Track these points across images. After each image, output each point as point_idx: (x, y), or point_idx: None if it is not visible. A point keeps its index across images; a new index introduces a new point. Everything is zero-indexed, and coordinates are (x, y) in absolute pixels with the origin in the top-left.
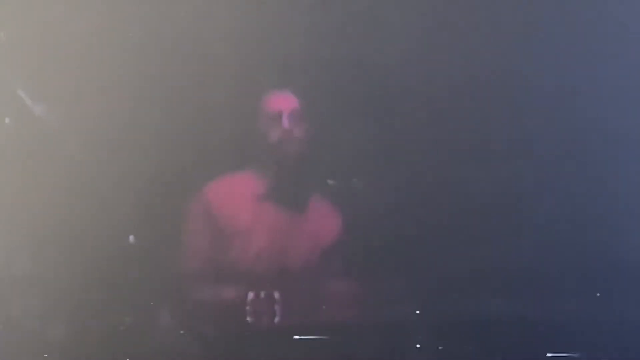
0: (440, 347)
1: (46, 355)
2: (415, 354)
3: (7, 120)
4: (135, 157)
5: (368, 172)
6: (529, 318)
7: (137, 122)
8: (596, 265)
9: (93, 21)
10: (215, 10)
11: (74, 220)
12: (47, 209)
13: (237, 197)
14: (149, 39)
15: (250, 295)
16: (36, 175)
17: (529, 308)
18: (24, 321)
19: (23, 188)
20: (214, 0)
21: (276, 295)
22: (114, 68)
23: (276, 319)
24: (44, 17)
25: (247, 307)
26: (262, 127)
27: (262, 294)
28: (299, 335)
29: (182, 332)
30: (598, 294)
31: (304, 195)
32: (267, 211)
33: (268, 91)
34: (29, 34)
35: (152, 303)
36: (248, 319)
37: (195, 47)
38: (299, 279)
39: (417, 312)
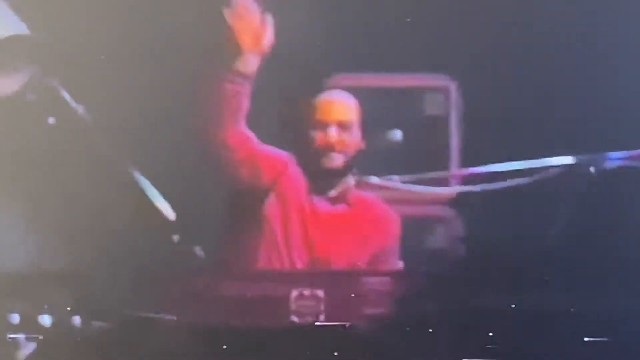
0: (481, 342)
1: (82, 350)
2: (456, 351)
3: (50, 120)
4: (178, 156)
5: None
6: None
7: (182, 121)
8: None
9: (136, 23)
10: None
11: (118, 218)
12: (91, 207)
13: (286, 195)
14: (192, 39)
15: (295, 293)
16: (79, 174)
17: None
18: (58, 317)
19: (64, 185)
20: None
21: (320, 293)
22: (158, 68)
23: (320, 318)
24: (88, 18)
25: (292, 305)
26: (311, 132)
27: (307, 292)
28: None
29: (224, 328)
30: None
31: (354, 195)
32: (315, 210)
33: (322, 95)
34: (72, 34)
35: (192, 300)
36: (292, 317)
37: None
38: (345, 277)
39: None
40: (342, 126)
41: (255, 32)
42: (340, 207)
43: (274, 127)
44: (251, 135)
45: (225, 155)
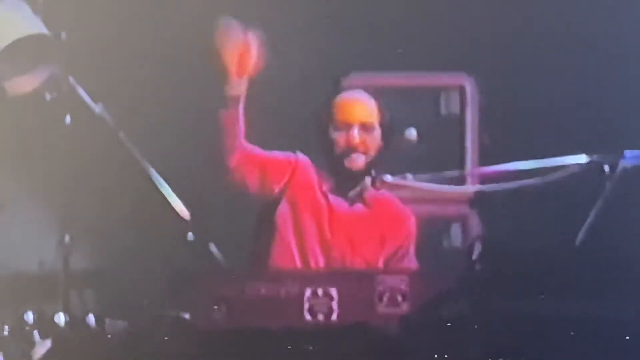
0: (495, 341)
1: (104, 350)
2: (471, 349)
3: (67, 119)
4: (192, 154)
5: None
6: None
7: (202, 121)
8: None
9: (154, 22)
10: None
11: (133, 217)
12: (106, 206)
13: (298, 196)
14: (210, 38)
15: (308, 291)
16: (96, 173)
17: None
18: (83, 317)
19: (82, 185)
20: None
21: (334, 292)
22: (175, 68)
23: (333, 316)
24: (104, 17)
25: (305, 304)
26: (333, 133)
27: (320, 291)
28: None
29: (239, 327)
30: None
31: (371, 194)
32: (332, 208)
33: (343, 95)
34: (89, 34)
35: (210, 299)
36: (306, 315)
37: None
38: (359, 276)
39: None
40: (364, 127)
41: (241, 56)
42: (358, 207)
43: (290, 127)
44: (252, 148)
45: (234, 175)
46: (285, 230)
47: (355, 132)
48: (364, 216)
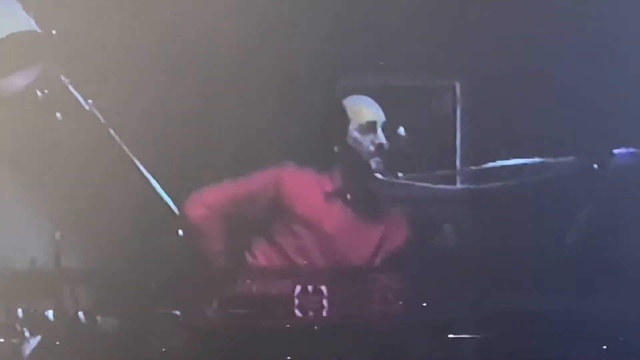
0: (487, 340)
1: (97, 347)
2: (462, 348)
3: (58, 115)
4: (182, 151)
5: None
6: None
7: (193, 117)
8: None
9: (146, 20)
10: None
11: (124, 214)
12: (97, 203)
13: (308, 193)
14: (201, 38)
15: (298, 288)
16: (87, 170)
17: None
18: (74, 313)
19: (73, 182)
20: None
21: (324, 289)
22: (166, 66)
23: (324, 313)
24: (95, 14)
25: (296, 300)
26: (355, 134)
27: (310, 288)
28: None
29: (230, 324)
30: None
31: (378, 202)
32: (334, 211)
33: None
34: (80, 31)
35: (201, 296)
36: (296, 312)
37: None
38: (350, 275)
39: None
40: (383, 128)
41: None
42: (359, 209)
43: (285, 131)
44: (230, 196)
45: None
46: (281, 240)
47: (380, 132)
48: (364, 219)
